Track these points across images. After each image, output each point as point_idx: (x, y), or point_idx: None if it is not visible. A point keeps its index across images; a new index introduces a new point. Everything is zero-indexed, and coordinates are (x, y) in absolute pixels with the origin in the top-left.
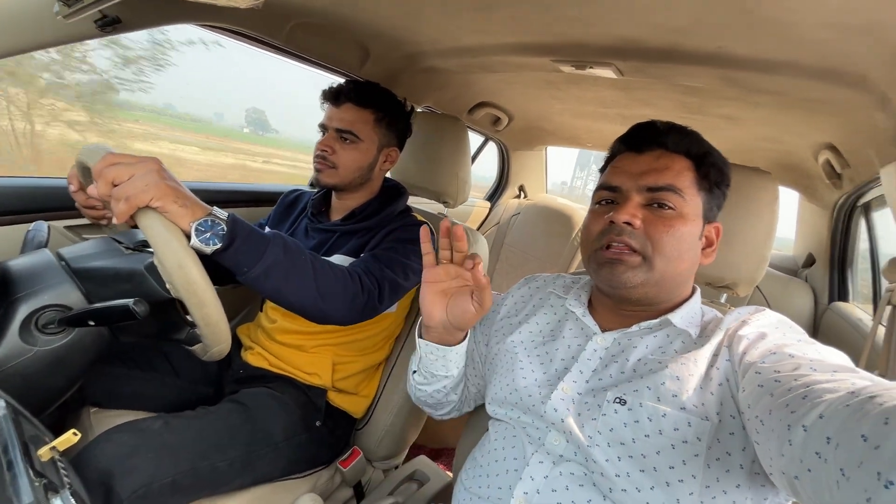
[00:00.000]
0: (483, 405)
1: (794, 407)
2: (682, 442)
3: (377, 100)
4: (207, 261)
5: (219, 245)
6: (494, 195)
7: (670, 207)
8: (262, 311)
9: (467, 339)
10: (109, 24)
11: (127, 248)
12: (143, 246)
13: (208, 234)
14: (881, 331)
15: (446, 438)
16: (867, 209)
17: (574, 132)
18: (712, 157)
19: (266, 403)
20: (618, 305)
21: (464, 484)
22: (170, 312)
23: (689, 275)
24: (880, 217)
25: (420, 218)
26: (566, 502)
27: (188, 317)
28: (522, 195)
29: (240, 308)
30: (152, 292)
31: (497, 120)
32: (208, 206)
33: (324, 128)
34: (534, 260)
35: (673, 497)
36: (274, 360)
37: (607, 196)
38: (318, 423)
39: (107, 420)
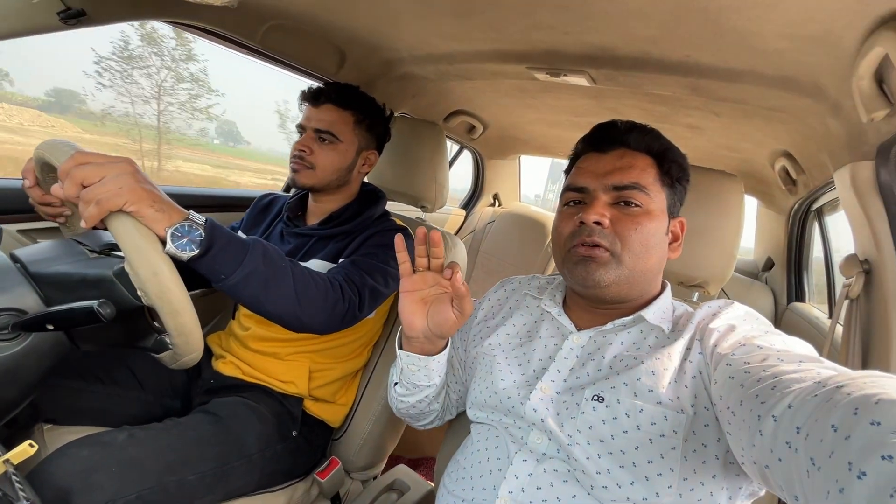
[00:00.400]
0: (463, 412)
1: (764, 398)
2: (660, 436)
3: (358, 102)
4: (179, 266)
5: (196, 251)
6: (470, 203)
7: (636, 205)
8: (234, 318)
9: (448, 346)
10: (73, 17)
11: (92, 251)
12: (109, 249)
13: (185, 240)
14: (839, 329)
15: (424, 448)
16: (820, 213)
17: (547, 141)
18: (672, 154)
19: (239, 413)
20: (592, 304)
21: (447, 488)
22: (136, 318)
23: (659, 270)
24: (832, 221)
25: (399, 222)
26: (551, 499)
27: (156, 323)
28: (497, 203)
29: (210, 316)
30: (122, 300)
31: (472, 128)
32: (185, 211)
33: (301, 128)
34: (509, 266)
35: (652, 491)
36: (247, 368)
37: (575, 197)
38: (294, 433)
39: (62, 438)
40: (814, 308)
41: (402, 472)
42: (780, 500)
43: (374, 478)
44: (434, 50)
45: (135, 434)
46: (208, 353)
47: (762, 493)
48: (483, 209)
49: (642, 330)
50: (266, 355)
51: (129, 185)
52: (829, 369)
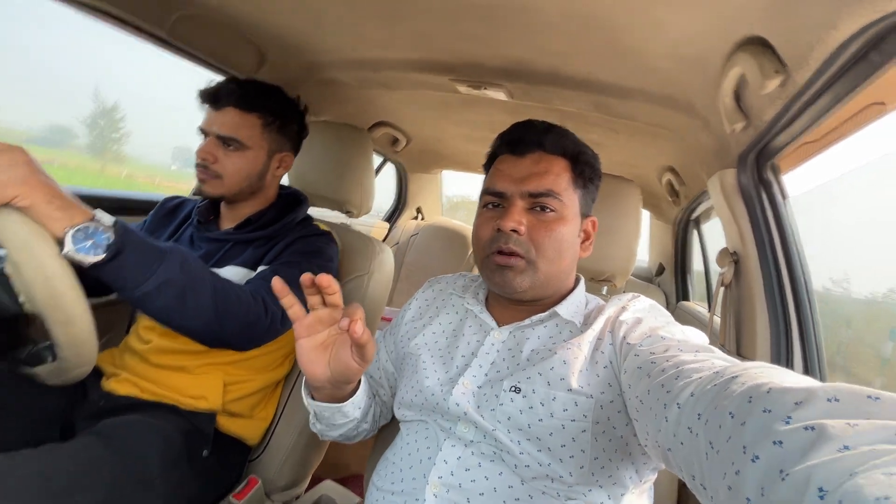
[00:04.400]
0: (393, 418)
1: (669, 387)
2: (571, 420)
3: (265, 101)
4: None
5: (102, 256)
6: (393, 216)
7: (551, 210)
8: (129, 333)
9: (361, 387)
10: None
11: None
12: None
13: (88, 243)
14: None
15: (350, 466)
16: (698, 222)
17: (467, 157)
18: (586, 156)
19: (137, 432)
20: (511, 303)
21: (376, 486)
22: (6, 327)
23: (572, 268)
24: (707, 228)
25: (323, 227)
26: (479, 478)
27: (32, 332)
28: (420, 217)
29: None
30: None
31: (396, 141)
32: (90, 210)
33: (204, 133)
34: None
35: (567, 470)
36: (148, 385)
37: (493, 200)
38: (205, 453)
39: None
40: (696, 305)
41: (329, 487)
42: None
43: (297, 497)
44: (359, 56)
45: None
46: (96, 372)
47: (661, 467)
48: (407, 222)
49: (557, 324)
50: (171, 370)
51: (23, 176)
52: (722, 360)
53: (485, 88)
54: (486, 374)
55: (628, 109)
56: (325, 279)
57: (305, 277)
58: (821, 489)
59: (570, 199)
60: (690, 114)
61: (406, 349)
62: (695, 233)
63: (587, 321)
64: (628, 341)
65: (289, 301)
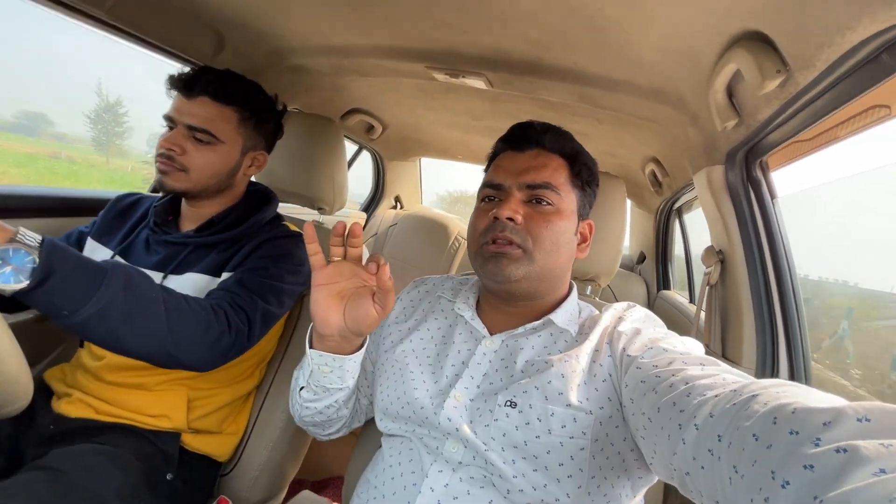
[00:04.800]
0: (372, 423)
1: (683, 405)
2: (570, 438)
3: (243, 95)
4: None
5: (24, 283)
6: (371, 206)
7: (548, 203)
8: (82, 346)
9: (365, 344)
10: None
11: None
12: None
13: (8, 269)
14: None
15: (330, 467)
16: (680, 212)
17: (446, 144)
18: (583, 157)
19: (91, 463)
20: (503, 303)
21: None
22: None
23: (567, 269)
24: (689, 218)
25: (293, 228)
26: None
27: None
28: (399, 206)
29: (47, 347)
30: None
31: (371, 128)
32: (10, 228)
33: (171, 121)
34: (413, 269)
35: (563, 491)
36: (103, 405)
37: (491, 193)
38: (168, 476)
39: None
40: (677, 294)
41: (306, 498)
42: (666, 484)
43: None
44: (327, 41)
45: None
46: (46, 391)
47: (653, 481)
48: (385, 212)
49: (552, 333)
50: (129, 387)
51: None
52: (732, 374)
53: (463, 77)
54: (479, 386)
55: (614, 101)
56: (356, 227)
57: (339, 225)
58: None
59: (567, 195)
60: (679, 108)
61: (391, 354)
62: (676, 222)
63: (582, 331)
64: (629, 353)
65: (313, 248)
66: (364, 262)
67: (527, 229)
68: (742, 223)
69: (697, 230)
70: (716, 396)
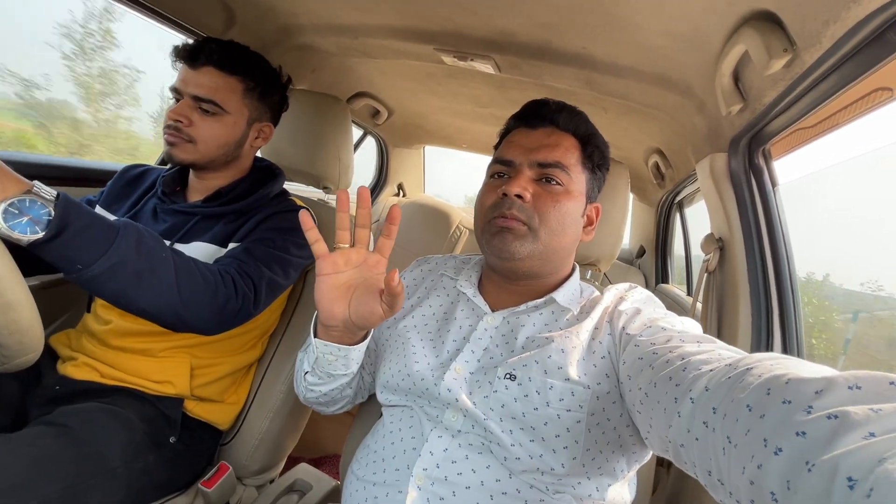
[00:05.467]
0: (371, 398)
1: (678, 380)
2: (567, 411)
3: (247, 65)
4: (15, 246)
5: (40, 234)
6: (374, 192)
7: (558, 183)
8: (89, 311)
9: (370, 333)
10: None
11: None
12: None
13: (25, 220)
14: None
15: (326, 446)
16: (681, 206)
17: (451, 132)
18: (596, 140)
19: (96, 420)
20: (507, 281)
21: (356, 475)
22: None
23: (571, 250)
24: (690, 212)
25: (299, 202)
26: (466, 471)
27: None
28: (402, 194)
29: (53, 316)
30: None
31: (377, 113)
32: (28, 182)
33: (177, 92)
34: (414, 256)
35: (559, 462)
36: (108, 370)
37: (501, 170)
38: (172, 440)
39: None
40: (675, 288)
41: (303, 470)
42: (658, 458)
43: (271, 481)
44: (336, 20)
45: None
46: (51, 355)
47: (647, 457)
48: (388, 199)
49: (553, 311)
50: (133, 353)
51: None
52: (728, 350)
53: (471, 60)
54: (479, 360)
55: (620, 88)
56: (363, 191)
57: (341, 193)
58: (850, 478)
59: (577, 176)
60: (685, 94)
61: (393, 330)
62: (677, 216)
63: (583, 310)
64: (628, 331)
65: (312, 235)
66: (371, 247)
67: (534, 207)
68: (743, 210)
69: (697, 224)
70: (711, 370)
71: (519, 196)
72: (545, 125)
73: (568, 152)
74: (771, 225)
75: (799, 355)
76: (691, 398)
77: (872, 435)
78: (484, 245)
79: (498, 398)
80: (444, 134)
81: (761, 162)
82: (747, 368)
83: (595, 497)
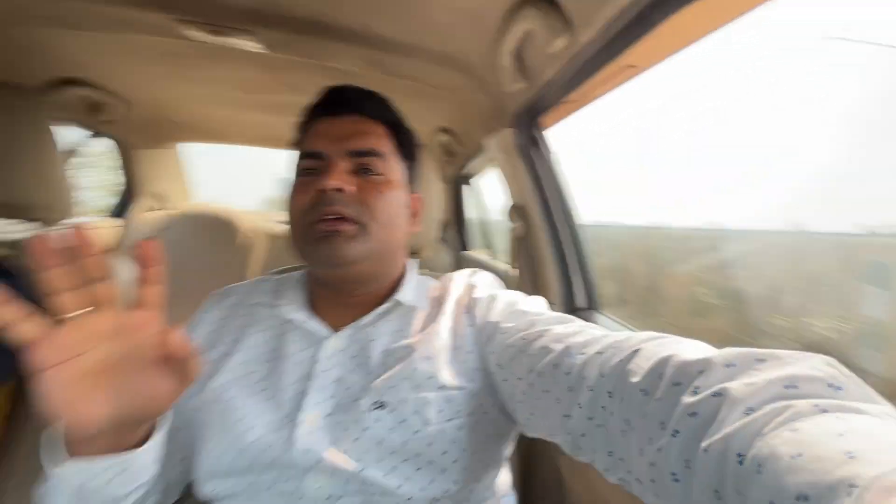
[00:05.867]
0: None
1: (567, 367)
2: (447, 421)
3: None
4: None
5: None
6: (123, 210)
7: (378, 173)
8: None
9: (161, 421)
10: None
11: None
12: None
13: None
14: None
15: None
16: (469, 178)
17: (214, 125)
18: (405, 127)
19: None
20: (341, 294)
21: None
22: None
23: (402, 245)
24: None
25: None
26: None
27: None
28: (160, 206)
29: None
30: None
31: (99, 106)
32: None
33: None
34: (198, 282)
35: (451, 480)
36: None
37: (310, 164)
38: None
39: None
40: (478, 253)
41: None
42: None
43: None
44: None
45: None
46: None
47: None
48: (144, 216)
49: (403, 314)
50: None
51: None
52: (594, 328)
53: (227, 35)
54: (334, 397)
55: (405, 68)
56: (78, 233)
57: (36, 241)
58: (739, 454)
59: (395, 165)
60: (469, 74)
61: (202, 396)
62: (468, 190)
63: (433, 305)
64: (489, 320)
65: (7, 315)
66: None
67: (359, 200)
68: (535, 180)
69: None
70: (598, 353)
71: (340, 190)
72: (351, 112)
73: (381, 140)
74: (557, 188)
75: (591, 296)
76: (589, 387)
77: (751, 410)
78: (307, 254)
79: (371, 436)
80: (205, 128)
81: (537, 133)
82: (635, 351)
83: (488, 497)
